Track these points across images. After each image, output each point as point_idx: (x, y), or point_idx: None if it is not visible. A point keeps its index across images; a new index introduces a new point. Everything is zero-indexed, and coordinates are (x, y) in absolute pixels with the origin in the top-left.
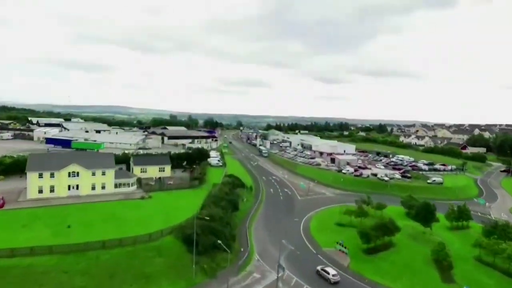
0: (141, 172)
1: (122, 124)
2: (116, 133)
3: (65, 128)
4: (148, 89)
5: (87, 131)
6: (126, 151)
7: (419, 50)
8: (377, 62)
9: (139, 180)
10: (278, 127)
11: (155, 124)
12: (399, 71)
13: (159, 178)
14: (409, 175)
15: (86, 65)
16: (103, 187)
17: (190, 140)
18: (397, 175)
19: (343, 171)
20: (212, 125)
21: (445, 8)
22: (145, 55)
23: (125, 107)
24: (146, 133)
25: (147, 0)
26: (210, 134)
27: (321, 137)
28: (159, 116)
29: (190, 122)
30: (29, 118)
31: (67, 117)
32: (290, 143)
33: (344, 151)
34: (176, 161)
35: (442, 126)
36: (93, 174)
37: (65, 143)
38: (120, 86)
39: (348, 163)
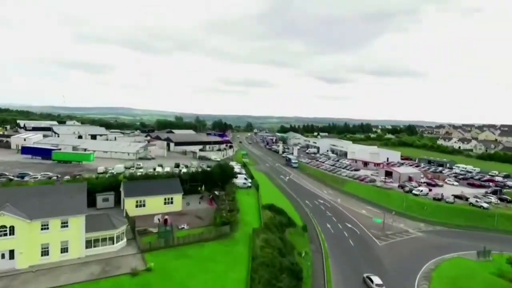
0: (137, 206)
1: (123, 126)
2: (115, 138)
3: (55, 133)
4: (151, 89)
5: (80, 136)
6: (115, 173)
7: (424, 49)
8: (381, 61)
9: (132, 225)
10: (294, 129)
11: (160, 127)
12: (404, 70)
13: (165, 220)
14: (508, 197)
15: (88, 65)
16: (63, 250)
17: (200, 147)
18: (493, 198)
19: (413, 191)
20: (221, 127)
21: (451, 6)
22: (147, 56)
23: (128, 108)
24: (148, 137)
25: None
26: (223, 139)
27: (353, 141)
28: (163, 117)
29: (198, 124)
30: (18, 121)
31: (63, 119)
32: (318, 148)
33: (387, 159)
34: (189, 183)
35: (471, 126)
36: (44, 227)
37: (45, 153)
38: (123, 87)
39: (410, 178)
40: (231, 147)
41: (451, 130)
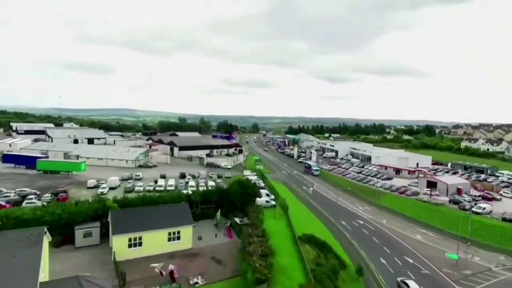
0: (130, 246)
1: (124, 128)
2: (114, 142)
3: (49, 137)
4: (153, 90)
5: (75, 141)
6: (108, 188)
7: (428, 48)
8: (384, 60)
9: (121, 282)
10: (302, 130)
11: (163, 129)
12: (407, 69)
13: (171, 272)
14: None
15: (90, 67)
16: None
17: (207, 151)
18: None
19: (474, 209)
20: (226, 129)
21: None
22: (148, 56)
23: (131, 110)
24: (150, 141)
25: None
26: (230, 142)
27: (373, 143)
28: (165, 118)
29: (203, 126)
30: (11, 124)
31: (61, 121)
32: (336, 152)
33: (417, 165)
34: (199, 206)
35: (489, 126)
36: None
37: (30, 162)
38: (125, 89)
39: (459, 190)
40: (241, 151)
41: (470, 130)
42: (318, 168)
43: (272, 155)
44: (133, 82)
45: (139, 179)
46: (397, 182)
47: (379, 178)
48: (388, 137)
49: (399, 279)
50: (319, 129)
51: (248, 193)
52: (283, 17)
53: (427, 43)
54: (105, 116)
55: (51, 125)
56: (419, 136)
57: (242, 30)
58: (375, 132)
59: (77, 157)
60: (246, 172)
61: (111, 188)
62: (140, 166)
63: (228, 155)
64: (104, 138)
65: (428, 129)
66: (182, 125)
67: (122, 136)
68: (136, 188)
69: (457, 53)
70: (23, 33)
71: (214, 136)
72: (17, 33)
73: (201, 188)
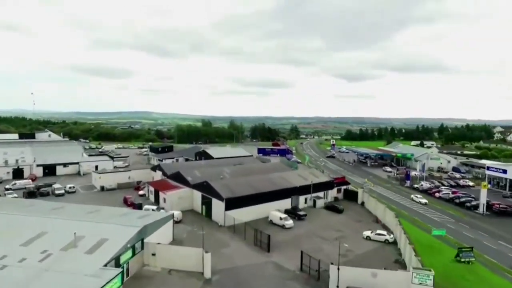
0: None
1: (131, 137)
2: (96, 168)
3: None
4: (169, 92)
5: (18, 170)
6: None
7: (453, 42)
8: (404, 57)
9: None
10: (364, 135)
11: (182, 136)
12: (431, 65)
13: None
14: None
15: (106, 71)
16: None
17: (288, 200)
18: None
19: None
20: (263, 134)
21: None
22: (161, 59)
23: (148, 112)
24: (160, 172)
25: (159, 1)
26: (290, 159)
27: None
28: (182, 120)
29: (235, 132)
30: None
31: (32, 130)
32: None
33: None
34: None
35: None
36: None
37: None
38: (142, 91)
39: None
40: (351, 195)
41: None
42: None
43: (397, 197)
44: (148, 84)
45: None
46: None
47: None
48: None
49: None
50: (389, 133)
51: None
52: (294, 13)
53: (453, 36)
54: (124, 119)
55: (14, 136)
56: None
57: (252, 29)
58: (469, 137)
59: None
60: None
61: None
62: None
63: (332, 208)
64: (77, 163)
65: None
66: (207, 131)
67: (112, 158)
68: None
69: (485, 46)
70: (38, 40)
71: (260, 151)
72: (30, 39)
73: None
